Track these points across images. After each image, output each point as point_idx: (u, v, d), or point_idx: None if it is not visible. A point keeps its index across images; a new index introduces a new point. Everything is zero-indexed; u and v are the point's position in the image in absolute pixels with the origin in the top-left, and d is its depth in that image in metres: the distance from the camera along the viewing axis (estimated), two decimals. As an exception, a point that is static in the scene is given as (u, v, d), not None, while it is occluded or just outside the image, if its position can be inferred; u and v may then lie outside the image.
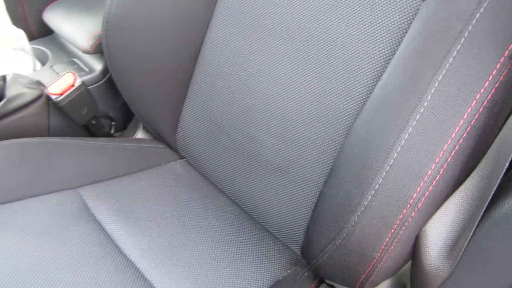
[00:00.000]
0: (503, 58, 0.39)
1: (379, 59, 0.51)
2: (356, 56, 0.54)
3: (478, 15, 0.40)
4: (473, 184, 0.43)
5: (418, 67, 0.42)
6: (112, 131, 0.84)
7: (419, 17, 0.47)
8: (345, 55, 0.54)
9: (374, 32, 0.52)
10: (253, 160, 0.66)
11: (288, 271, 0.63)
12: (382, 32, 0.51)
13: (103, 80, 0.77)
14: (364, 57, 0.53)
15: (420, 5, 0.48)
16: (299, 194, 0.60)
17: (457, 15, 0.41)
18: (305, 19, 0.57)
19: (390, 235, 0.42)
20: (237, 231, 0.68)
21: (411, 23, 0.49)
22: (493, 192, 0.38)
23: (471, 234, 0.41)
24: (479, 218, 0.41)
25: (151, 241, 0.63)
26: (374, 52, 0.52)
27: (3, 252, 0.55)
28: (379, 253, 0.44)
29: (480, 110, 0.39)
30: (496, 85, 0.39)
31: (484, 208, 0.39)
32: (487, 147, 0.41)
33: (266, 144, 0.63)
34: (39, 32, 0.86)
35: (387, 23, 0.51)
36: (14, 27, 0.76)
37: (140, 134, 0.84)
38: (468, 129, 0.39)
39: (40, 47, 0.82)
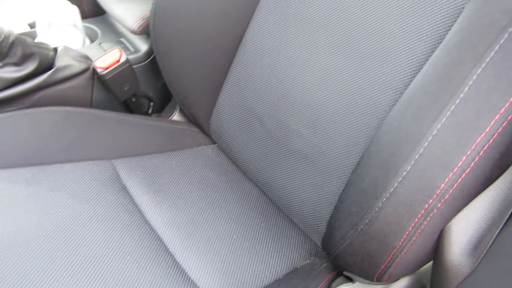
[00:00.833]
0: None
1: (420, 53, 0.51)
2: (396, 50, 0.54)
3: (524, 11, 0.40)
4: (505, 184, 0.42)
5: (458, 60, 0.42)
6: (150, 112, 0.87)
7: (464, 14, 0.46)
8: (385, 48, 0.55)
9: (418, 26, 0.52)
10: (282, 148, 0.67)
11: (307, 261, 0.64)
12: (426, 26, 0.51)
13: (147, 61, 0.80)
14: (405, 51, 0.53)
15: (466, 3, 0.48)
16: (325, 185, 0.61)
17: (502, 11, 0.41)
18: (348, 11, 0.58)
19: (413, 224, 0.42)
20: (260, 217, 0.69)
21: (455, 20, 0.49)
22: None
23: (497, 232, 0.41)
24: (507, 216, 0.40)
25: (176, 215, 0.64)
26: (416, 46, 0.52)
27: (39, 208, 0.58)
28: (400, 242, 0.43)
29: (519, 105, 0.39)
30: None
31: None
32: (524, 146, 0.41)
33: (297, 133, 0.64)
34: (91, 12, 0.91)
35: (432, 18, 0.50)
36: (69, 3, 0.80)
37: (176, 117, 0.87)
38: (504, 124, 0.39)
39: (91, 26, 0.86)
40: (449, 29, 0.49)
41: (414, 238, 0.43)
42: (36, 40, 0.69)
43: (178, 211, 0.65)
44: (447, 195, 0.40)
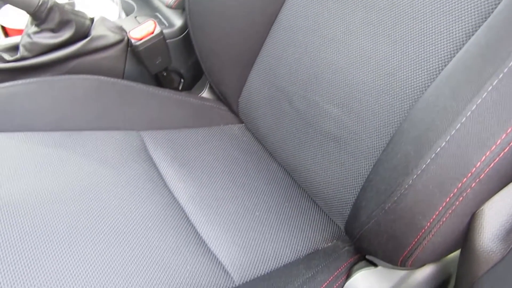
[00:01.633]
0: None
1: (460, 33, 0.49)
2: (436, 30, 0.52)
3: None
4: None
5: (503, 36, 0.40)
6: (180, 88, 0.88)
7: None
8: (425, 29, 0.53)
9: (460, 6, 0.50)
10: (311, 128, 0.65)
11: (329, 244, 0.63)
12: (468, 6, 0.49)
13: (180, 36, 0.80)
14: (444, 32, 0.51)
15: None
16: (354, 166, 0.59)
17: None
18: (388, -12, 0.56)
19: (444, 204, 0.40)
20: (284, 197, 0.68)
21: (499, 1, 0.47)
22: None
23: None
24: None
25: (200, 189, 0.64)
26: (457, 26, 0.50)
27: (67, 171, 0.59)
28: (429, 223, 0.42)
29: None
30: None
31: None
32: None
33: (328, 113, 0.63)
34: (128, -14, 0.92)
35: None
36: (107, -24, 0.81)
37: (205, 95, 0.87)
38: (549, 102, 0.37)
39: (128, 0, 0.87)
40: (494, 7, 0.47)
41: (444, 219, 0.41)
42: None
43: (201, 185, 0.65)
44: (483, 174, 0.38)
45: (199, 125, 0.77)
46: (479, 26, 0.47)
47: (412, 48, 0.53)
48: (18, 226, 0.50)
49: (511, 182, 0.41)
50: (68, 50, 0.69)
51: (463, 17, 0.50)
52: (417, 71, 0.52)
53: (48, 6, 0.64)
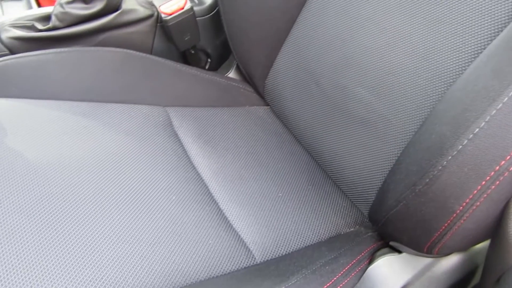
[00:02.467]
0: None
1: (503, 14, 0.47)
2: (477, 11, 0.50)
3: None
4: None
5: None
6: (206, 68, 0.87)
7: None
8: (465, 9, 0.51)
9: (504, -14, 0.48)
10: (338, 111, 0.64)
11: (351, 229, 0.62)
12: (514, -14, 0.47)
13: (210, 14, 0.80)
14: (486, 12, 0.49)
15: None
16: (381, 151, 0.58)
17: None
18: (429, -33, 0.54)
19: (479, 187, 0.39)
20: (307, 180, 0.67)
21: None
22: None
23: None
24: None
25: (223, 167, 0.64)
26: (500, 7, 0.48)
27: (93, 140, 0.60)
28: (461, 207, 0.40)
29: None
30: None
31: None
32: None
33: (357, 96, 0.61)
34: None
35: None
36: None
37: (231, 75, 0.86)
38: None
39: (159, -24, 0.87)
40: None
41: (478, 203, 0.40)
42: (106, -19, 0.70)
43: (225, 163, 0.65)
44: (524, 158, 0.37)
45: (225, 105, 0.77)
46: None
47: (451, 29, 0.51)
48: (46, 189, 0.50)
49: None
50: (98, 22, 0.70)
51: (507, -2, 0.48)
52: (454, 52, 0.50)
53: (82, -24, 0.64)
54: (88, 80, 0.67)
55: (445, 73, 0.51)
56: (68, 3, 0.66)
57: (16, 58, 0.63)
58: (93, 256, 0.46)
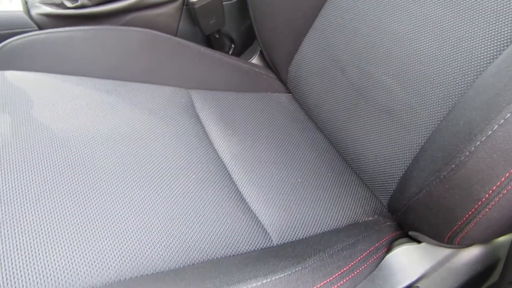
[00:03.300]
0: None
1: (540, 2, 0.46)
2: (511, -2, 0.48)
3: None
4: None
5: None
6: (230, 53, 0.87)
7: None
8: (499, -3, 0.50)
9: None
10: (363, 99, 0.63)
11: (370, 218, 0.61)
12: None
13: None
14: (522, 0, 0.48)
15: None
16: (405, 140, 0.57)
17: None
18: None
19: (507, 174, 0.38)
20: (327, 167, 0.67)
21: None
22: None
23: None
24: None
25: (244, 150, 0.64)
26: (536, -6, 0.46)
27: (117, 116, 0.60)
28: (487, 195, 0.39)
29: None
30: None
31: None
32: None
33: (382, 84, 0.60)
34: None
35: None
36: None
37: (254, 61, 0.86)
38: None
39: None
40: None
41: (505, 191, 0.39)
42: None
43: (245, 146, 0.65)
44: (555, 145, 0.36)
45: (247, 90, 0.77)
46: None
47: (483, 17, 0.50)
48: (70, 160, 0.51)
49: None
50: (126, 2, 0.70)
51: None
52: (486, 40, 0.49)
53: (112, -46, 0.65)
54: (114, 59, 0.68)
55: (476, 61, 0.50)
56: (97, -19, 0.67)
57: (45, 34, 0.64)
58: (113, 226, 0.46)
